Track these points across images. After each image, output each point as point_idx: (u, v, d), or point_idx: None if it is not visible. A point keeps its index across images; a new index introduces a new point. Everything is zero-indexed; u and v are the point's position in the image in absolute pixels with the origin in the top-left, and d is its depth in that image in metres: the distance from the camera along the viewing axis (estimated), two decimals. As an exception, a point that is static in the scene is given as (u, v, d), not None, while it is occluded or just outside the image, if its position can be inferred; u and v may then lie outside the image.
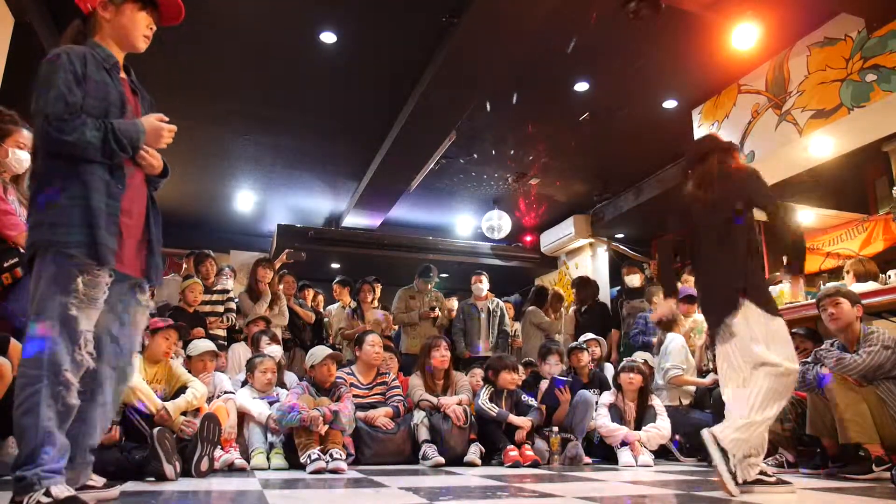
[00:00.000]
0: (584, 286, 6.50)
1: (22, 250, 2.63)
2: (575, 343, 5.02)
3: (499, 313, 6.03)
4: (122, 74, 2.01)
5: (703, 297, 2.74)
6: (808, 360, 3.42)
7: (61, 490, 1.68)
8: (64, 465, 1.74)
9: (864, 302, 3.39)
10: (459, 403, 4.02)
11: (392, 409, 4.04)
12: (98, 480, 1.74)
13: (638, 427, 4.09)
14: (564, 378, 4.43)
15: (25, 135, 2.80)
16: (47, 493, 1.65)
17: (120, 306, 1.94)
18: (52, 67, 1.79)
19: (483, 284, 6.12)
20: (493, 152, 7.10)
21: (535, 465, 3.69)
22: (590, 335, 5.39)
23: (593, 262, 9.12)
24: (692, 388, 4.53)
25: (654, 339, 5.10)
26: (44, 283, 1.73)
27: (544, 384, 4.47)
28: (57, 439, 1.70)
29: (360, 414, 3.88)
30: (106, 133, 1.78)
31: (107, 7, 1.94)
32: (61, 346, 1.71)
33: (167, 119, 1.96)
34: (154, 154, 1.95)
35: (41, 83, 1.78)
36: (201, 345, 3.84)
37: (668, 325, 4.72)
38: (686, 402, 4.47)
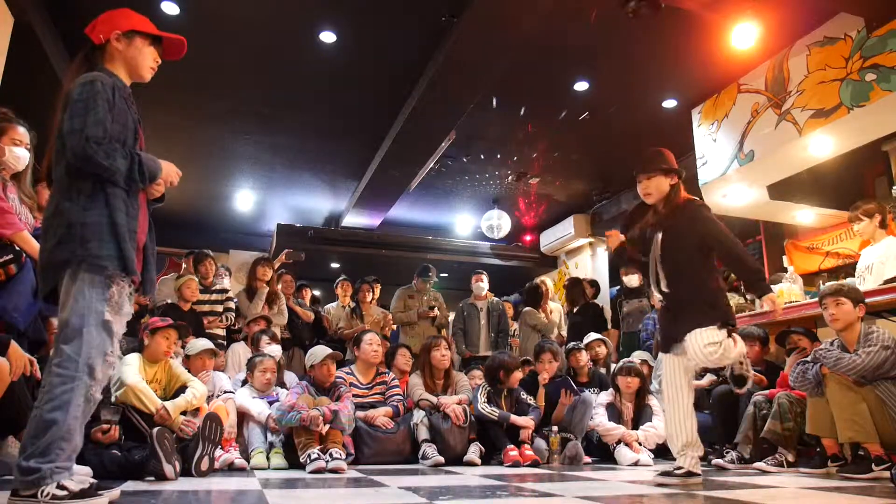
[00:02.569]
0: (573, 287, 6.54)
1: (17, 248, 2.64)
2: (573, 344, 5.02)
3: (498, 312, 6.03)
4: None
5: None
6: (808, 359, 3.42)
7: (74, 483, 1.73)
8: (72, 465, 1.78)
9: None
10: (459, 403, 4.02)
11: (391, 409, 4.04)
12: (75, 485, 1.74)
13: (636, 426, 4.09)
14: (577, 388, 4.41)
15: (21, 131, 2.79)
16: (61, 487, 1.69)
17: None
18: (92, 91, 1.89)
19: (483, 283, 6.13)
20: (493, 152, 7.11)
21: (534, 464, 3.70)
22: (594, 335, 5.39)
23: (593, 262, 9.12)
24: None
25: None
26: (81, 291, 1.84)
27: (542, 379, 4.44)
28: (74, 438, 1.77)
29: (360, 413, 3.89)
30: (132, 163, 1.91)
31: (120, 39, 2.07)
32: (97, 349, 1.83)
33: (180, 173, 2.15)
34: (160, 188, 2.10)
35: (79, 103, 1.87)
36: (199, 343, 3.83)
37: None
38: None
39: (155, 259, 2.16)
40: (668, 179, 2.96)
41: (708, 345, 2.68)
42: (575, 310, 6.39)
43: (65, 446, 1.74)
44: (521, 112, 6.01)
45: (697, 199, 3.08)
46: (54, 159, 1.92)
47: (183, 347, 3.89)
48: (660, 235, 2.96)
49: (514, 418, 3.95)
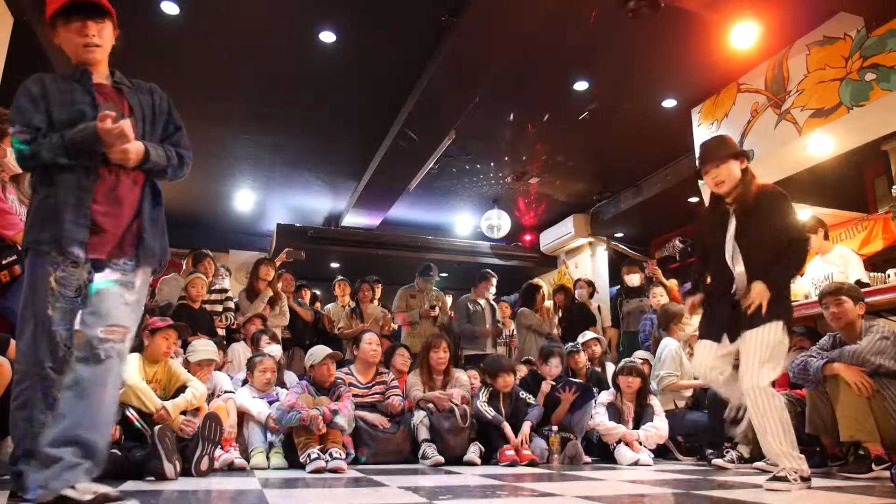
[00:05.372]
0: (561, 294, 6.72)
1: (20, 248, 2.65)
2: (571, 345, 5.03)
3: (495, 308, 6.10)
4: (100, 80, 2.01)
5: None
6: (811, 351, 3.39)
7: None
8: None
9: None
10: (450, 398, 4.02)
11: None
12: (83, 492, 1.63)
13: (636, 426, 4.09)
14: (576, 381, 4.38)
15: None
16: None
17: (86, 290, 1.88)
18: (18, 93, 1.91)
19: (493, 287, 6.17)
20: (493, 152, 7.11)
21: (532, 464, 3.69)
22: (589, 334, 5.41)
23: (592, 262, 9.12)
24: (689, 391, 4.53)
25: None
26: (26, 284, 1.82)
27: (545, 385, 4.42)
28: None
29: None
30: (60, 147, 1.82)
31: (52, 34, 2.00)
32: (43, 342, 1.76)
33: (113, 115, 1.81)
34: (124, 149, 1.86)
35: (10, 109, 1.89)
36: (201, 349, 3.77)
37: (665, 325, 4.72)
38: (681, 404, 4.47)
39: (158, 229, 2.00)
40: (739, 164, 2.77)
41: (777, 344, 2.54)
42: (563, 314, 6.51)
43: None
44: (521, 112, 6.01)
45: (774, 185, 2.86)
46: None
47: (184, 347, 3.87)
48: (733, 223, 2.72)
49: (506, 427, 3.89)
